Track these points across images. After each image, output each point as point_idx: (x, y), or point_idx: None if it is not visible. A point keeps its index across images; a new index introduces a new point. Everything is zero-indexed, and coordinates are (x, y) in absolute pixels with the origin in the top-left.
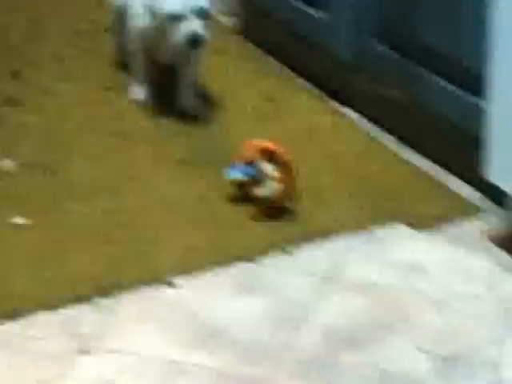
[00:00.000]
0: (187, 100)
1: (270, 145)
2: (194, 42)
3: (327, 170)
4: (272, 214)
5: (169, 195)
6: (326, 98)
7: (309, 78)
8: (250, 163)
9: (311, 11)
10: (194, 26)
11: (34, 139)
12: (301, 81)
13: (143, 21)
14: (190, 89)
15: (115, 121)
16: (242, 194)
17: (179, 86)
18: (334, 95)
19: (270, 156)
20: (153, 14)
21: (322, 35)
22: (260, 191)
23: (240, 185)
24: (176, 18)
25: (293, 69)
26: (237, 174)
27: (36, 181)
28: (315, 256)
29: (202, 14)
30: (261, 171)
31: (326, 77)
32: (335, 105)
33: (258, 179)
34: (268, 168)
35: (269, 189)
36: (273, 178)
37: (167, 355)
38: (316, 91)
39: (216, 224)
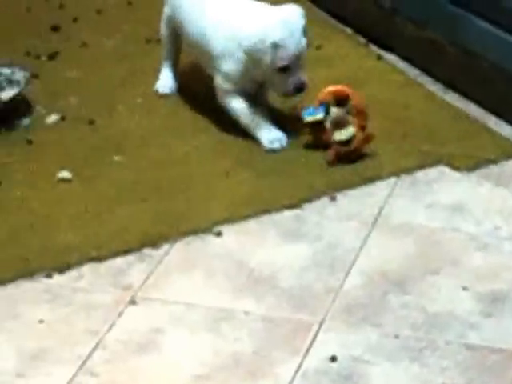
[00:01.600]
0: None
1: (345, 88)
2: (300, 90)
3: (371, 114)
4: (347, 159)
5: (214, 144)
6: (367, 43)
7: (350, 24)
8: (322, 105)
9: None
10: (302, 77)
11: (76, 93)
12: (342, 27)
13: (236, 65)
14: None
15: (157, 73)
16: (317, 140)
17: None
18: (375, 40)
19: (341, 101)
20: (251, 59)
21: None
22: (337, 135)
23: (314, 129)
24: (283, 70)
25: (334, 16)
26: (313, 114)
27: (80, 134)
28: (360, 201)
29: (304, 56)
30: (341, 115)
31: (366, 22)
32: (377, 50)
33: (337, 123)
34: (341, 112)
35: (348, 133)
36: (351, 123)
37: (214, 303)
38: (358, 37)
39: (259, 173)
